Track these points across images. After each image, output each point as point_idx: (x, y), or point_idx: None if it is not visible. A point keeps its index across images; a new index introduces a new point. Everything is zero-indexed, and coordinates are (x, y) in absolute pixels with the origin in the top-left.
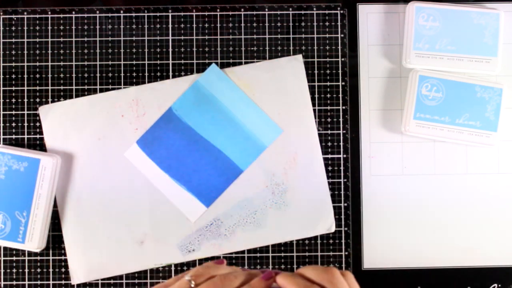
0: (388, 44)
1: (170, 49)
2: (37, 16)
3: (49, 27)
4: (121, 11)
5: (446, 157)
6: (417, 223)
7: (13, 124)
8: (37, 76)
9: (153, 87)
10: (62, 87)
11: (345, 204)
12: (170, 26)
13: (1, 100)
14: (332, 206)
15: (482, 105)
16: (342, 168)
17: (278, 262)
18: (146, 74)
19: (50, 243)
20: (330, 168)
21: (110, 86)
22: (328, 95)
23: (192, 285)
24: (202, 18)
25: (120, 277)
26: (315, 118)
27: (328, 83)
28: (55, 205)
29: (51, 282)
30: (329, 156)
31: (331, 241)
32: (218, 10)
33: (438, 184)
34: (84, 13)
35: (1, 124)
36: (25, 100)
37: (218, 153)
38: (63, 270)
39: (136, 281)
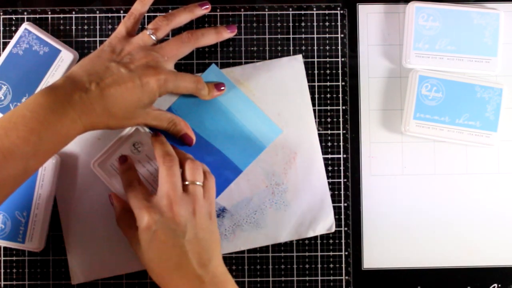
0: (388, 44)
1: None
2: (37, 16)
3: (49, 27)
4: (121, 11)
5: (446, 157)
6: (417, 223)
7: None
8: None
9: None
10: None
11: (345, 204)
12: None
13: None
14: (332, 206)
15: (482, 105)
16: (342, 168)
17: (278, 262)
18: None
19: (50, 243)
20: (330, 168)
21: None
22: (328, 95)
23: (153, 38)
24: (202, 18)
25: (120, 277)
26: (315, 118)
27: (328, 83)
28: (55, 205)
29: (51, 282)
30: (329, 156)
31: (331, 241)
32: (218, 10)
33: (438, 184)
34: (84, 13)
35: None
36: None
37: (218, 153)
38: (63, 270)
39: (136, 281)
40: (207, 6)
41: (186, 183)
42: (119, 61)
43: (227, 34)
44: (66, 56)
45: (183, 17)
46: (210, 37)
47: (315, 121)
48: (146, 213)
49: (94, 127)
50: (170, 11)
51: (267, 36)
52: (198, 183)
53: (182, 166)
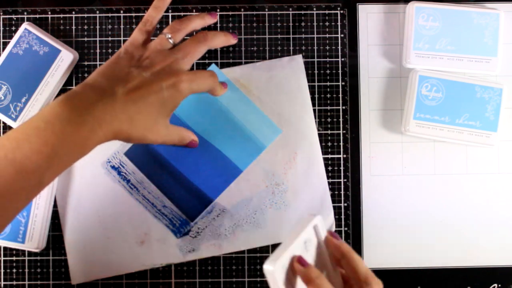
0: (388, 44)
1: None
2: (37, 16)
3: (49, 27)
4: (121, 11)
5: (446, 157)
6: (417, 223)
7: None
8: None
9: None
10: (62, 87)
11: (345, 204)
12: None
13: None
14: (332, 206)
15: (482, 105)
16: (342, 168)
17: None
18: None
19: (50, 243)
20: (330, 168)
21: None
22: (328, 95)
23: (171, 42)
24: None
25: (120, 277)
26: (315, 118)
27: (328, 83)
28: (55, 205)
29: (51, 282)
30: (329, 156)
31: None
32: (218, 10)
33: (438, 184)
34: (84, 13)
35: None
36: None
37: (218, 153)
38: (63, 270)
39: (136, 281)
40: (216, 16)
41: None
42: (139, 66)
43: (233, 40)
44: (66, 56)
45: (196, 22)
46: (220, 39)
47: (315, 121)
48: None
49: (115, 136)
50: (170, 15)
51: (267, 36)
52: None
53: None
